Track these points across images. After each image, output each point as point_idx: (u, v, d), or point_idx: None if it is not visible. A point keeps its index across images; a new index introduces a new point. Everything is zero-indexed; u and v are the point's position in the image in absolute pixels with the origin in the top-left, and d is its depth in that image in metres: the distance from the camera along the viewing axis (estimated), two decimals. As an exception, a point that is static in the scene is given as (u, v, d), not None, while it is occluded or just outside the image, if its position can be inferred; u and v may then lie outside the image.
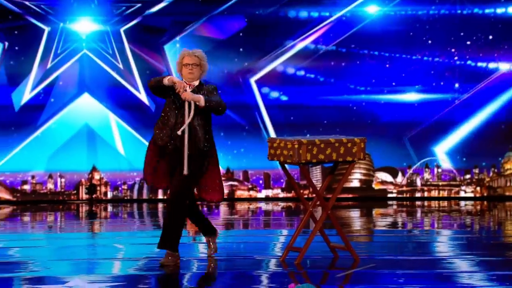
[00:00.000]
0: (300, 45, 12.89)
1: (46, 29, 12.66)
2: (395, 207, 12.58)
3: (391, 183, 13.11)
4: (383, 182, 13.11)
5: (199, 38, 12.79)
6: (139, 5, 12.75)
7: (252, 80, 12.93)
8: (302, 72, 12.96)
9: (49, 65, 12.76)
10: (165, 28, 12.82)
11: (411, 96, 13.01)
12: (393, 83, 12.95)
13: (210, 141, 7.82)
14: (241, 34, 12.81)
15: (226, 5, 12.74)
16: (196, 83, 7.82)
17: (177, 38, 12.82)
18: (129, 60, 12.85)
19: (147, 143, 7.94)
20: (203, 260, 8.20)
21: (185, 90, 7.68)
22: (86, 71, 12.79)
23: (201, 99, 7.65)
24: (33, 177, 12.80)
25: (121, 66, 12.80)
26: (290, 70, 12.97)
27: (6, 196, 12.75)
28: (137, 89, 12.83)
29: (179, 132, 7.67)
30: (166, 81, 7.67)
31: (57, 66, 12.79)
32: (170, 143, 7.76)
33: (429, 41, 12.92)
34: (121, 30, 12.81)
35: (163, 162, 7.85)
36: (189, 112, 7.68)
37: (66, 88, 12.81)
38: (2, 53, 12.64)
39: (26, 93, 12.76)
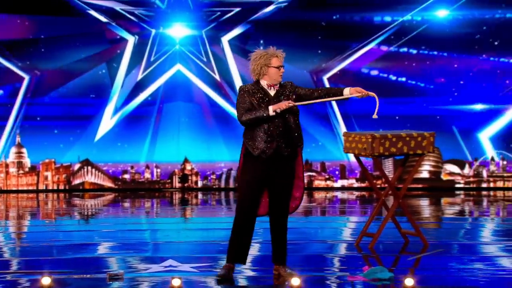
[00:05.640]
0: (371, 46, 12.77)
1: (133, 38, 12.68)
2: (462, 196, 12.40)
3: (458, 174, 12.92)
4: (451, 173, 12.93)
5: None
6: (237, 9, 12.53)
7: (325, 78, 12.80)
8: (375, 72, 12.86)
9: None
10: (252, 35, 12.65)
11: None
12: (461, 82, 12.73)
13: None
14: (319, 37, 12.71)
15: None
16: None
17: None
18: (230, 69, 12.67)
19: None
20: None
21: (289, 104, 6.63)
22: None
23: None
24: (132, 167, 12.99)
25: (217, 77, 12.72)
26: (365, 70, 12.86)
27: (109, 184, 12.99)
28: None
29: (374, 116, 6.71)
30: (271, 112, 6.53)
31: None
32: (267, 148, 6.65)
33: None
34: (222, 38, 12.59)
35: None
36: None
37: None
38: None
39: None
